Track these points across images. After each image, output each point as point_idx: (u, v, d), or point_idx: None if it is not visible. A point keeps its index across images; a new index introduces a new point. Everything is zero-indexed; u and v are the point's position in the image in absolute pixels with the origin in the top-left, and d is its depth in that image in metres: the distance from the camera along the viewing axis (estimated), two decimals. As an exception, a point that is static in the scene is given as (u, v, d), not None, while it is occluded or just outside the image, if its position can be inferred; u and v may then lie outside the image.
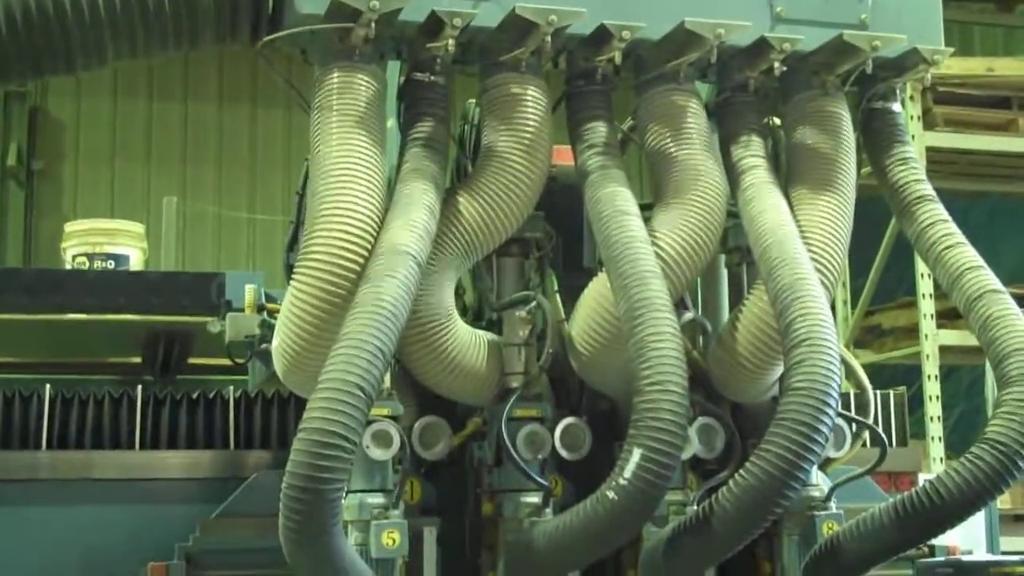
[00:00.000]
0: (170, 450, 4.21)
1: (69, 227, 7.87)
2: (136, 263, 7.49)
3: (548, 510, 3.56)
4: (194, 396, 4.28)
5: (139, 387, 4.26)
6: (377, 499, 3.44)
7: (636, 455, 3.12)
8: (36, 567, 3.98)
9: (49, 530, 4.01)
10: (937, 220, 3.70)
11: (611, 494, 3.15)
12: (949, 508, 3.28)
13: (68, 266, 7.37)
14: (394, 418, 3.49)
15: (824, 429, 3.15)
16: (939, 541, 4.01)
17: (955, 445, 8.56)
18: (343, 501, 3.07)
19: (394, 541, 3.37)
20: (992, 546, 5.71)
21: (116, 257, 7.34)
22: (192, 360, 6.85)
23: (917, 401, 8.06)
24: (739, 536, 3.28)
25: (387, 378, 3.51)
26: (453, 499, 3.86)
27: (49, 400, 4.16)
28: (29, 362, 6.98)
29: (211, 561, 3.73)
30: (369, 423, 3.35)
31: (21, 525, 4.02)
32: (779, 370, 3.65)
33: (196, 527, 3.80)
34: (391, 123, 3.69)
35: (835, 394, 3.18)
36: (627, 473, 3.12)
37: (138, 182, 13.15)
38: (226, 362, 4.98)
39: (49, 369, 6.82)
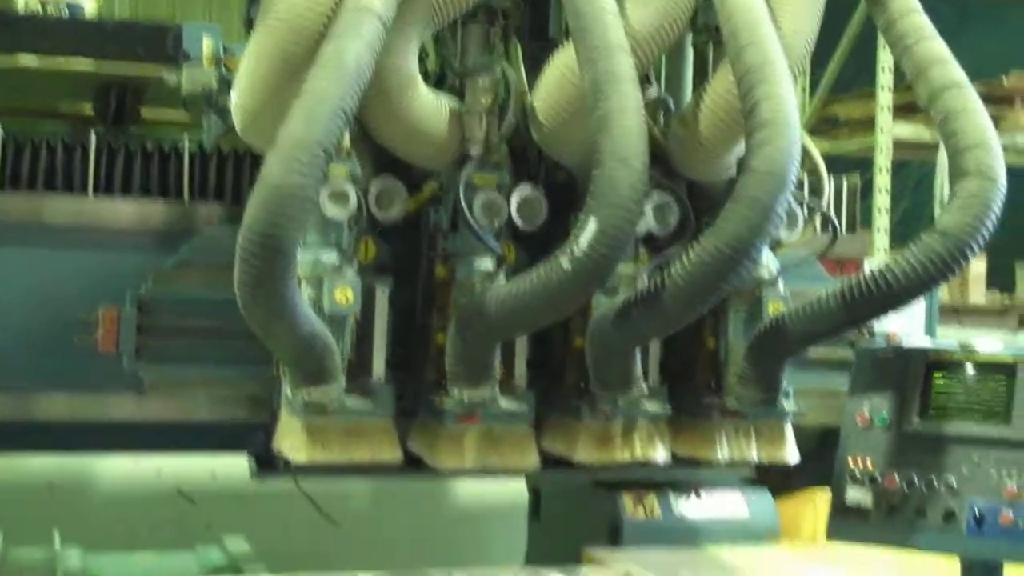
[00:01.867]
0: (123, 197, 4.16)
1: (22, -30, 7.65)
2: (90, 12, 7.32)
3: (501, 276, 3.59)
4: (148, 148, 4.23)
5: (92, 134, 4.20)
6: (331, 256, 3.47)
7: (592, 225, 3.14)
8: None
9: (-1, 273, 4.00)
10: (909, 11, 3.66)
11: (565, 262, 3.18)
12: (896, 292, 3.34)
13: (21, 11, 7.19)
14: (351, 178, 3.49)
15: (779, 209, 3.18)
16: (879, 327, 4.11)
17: (899, 238, 8.67)
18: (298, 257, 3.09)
19: (347, 299, 3.41)
20: (930, 335, 5.84)
21: (70, 5, 7.16)
22: (145, 114, 6.78)
23: (866, 192, 8.13)
24: (688, 310, 3.33)
25: (346, 138, 3.49)
26: (407, 261, 3.88)
27: (1, 143, 4.10)
28: (-23, 105, 6.88)
29: (163, 309, 3.75)
30: (326, 181, 3.35)
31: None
32: (739, 150, 3.66)
33: (148, 277, 3.81)
34: None
35: (793, 176, 3.20)
36: (582, 243, 3.15)
37: (91, -73, 12.74)
38: (179, 118, 4.92)
39: (-1, 113, 6.72)
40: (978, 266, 8.91)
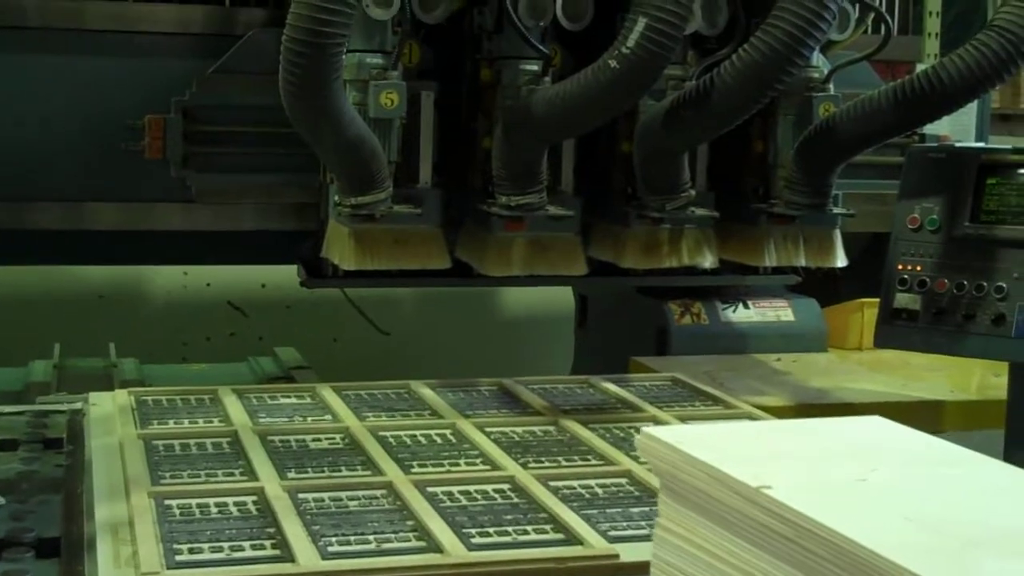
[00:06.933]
0: (163, 2, 4.10)
1: None
2: None
3: (547, 79, 3.53)
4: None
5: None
6: (376, 59, 3.42)
7: (640, 24, 3.08)
8: (28, 114, 3.96)
9: (42, 79, 3.97)
10: None
11: (613, 62, 3.12)
12: (950, 92, 3.25)
13: None
14: (394, -22, 3.43)
15: (832, 6, 3.09)
16: (930, 130, 4.04)
17: (949, 44, 8.48)
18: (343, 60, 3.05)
19: (392, 102, 3.38)
20: (981, 140, 5.76)
21: None
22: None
23: (918, -2, 7.91)
24: (738, 110, 3.27)
25: (388, -63, 3.42)
26: (451, 64, 3.82)
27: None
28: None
29: (208, 116, 3.74)
30: None
31: (11, 72, 3.97)
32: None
33: (192, 82, 3.78)
34: None
35: (846, -26, 3.11)
36: (630, 42, 3.09)
37: None
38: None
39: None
40: (1031, 71, 8.67)
